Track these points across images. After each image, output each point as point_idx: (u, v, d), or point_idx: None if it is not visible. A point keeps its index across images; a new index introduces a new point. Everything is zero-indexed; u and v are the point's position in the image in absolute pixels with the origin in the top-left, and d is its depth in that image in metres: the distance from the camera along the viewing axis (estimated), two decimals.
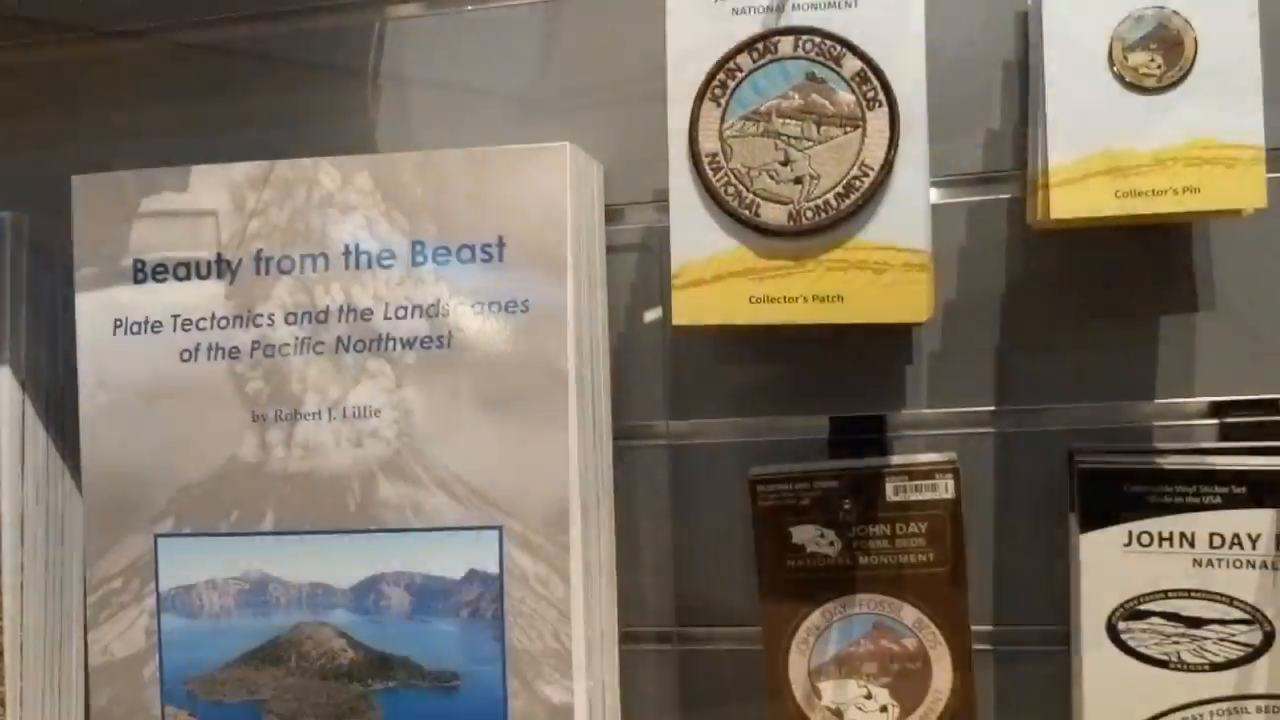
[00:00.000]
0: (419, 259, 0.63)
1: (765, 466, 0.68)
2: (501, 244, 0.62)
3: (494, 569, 0.61)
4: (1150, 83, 0.52)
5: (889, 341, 0.68)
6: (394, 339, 0.62)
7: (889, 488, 0.65)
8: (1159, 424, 0.67)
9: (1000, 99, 0.66)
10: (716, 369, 0.72)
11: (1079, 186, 0.53)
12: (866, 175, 0.55)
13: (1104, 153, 0.53)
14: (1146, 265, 0.66)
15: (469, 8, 0.74)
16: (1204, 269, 0.65)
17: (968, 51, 0.66)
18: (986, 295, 0.68)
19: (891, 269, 0.55)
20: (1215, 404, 0.66)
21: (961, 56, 0.66)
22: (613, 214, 0.72)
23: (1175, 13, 0.52)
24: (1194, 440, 0.66)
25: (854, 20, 0.56)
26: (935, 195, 0.66)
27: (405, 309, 0.62)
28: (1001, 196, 0.66)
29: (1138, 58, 0.52)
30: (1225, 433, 0.66)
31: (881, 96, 0.55)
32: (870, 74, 0.55)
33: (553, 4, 0.73)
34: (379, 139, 0.74)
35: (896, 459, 0.67)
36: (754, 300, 0.57)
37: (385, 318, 0.62)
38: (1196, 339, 0.66)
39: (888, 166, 0.55)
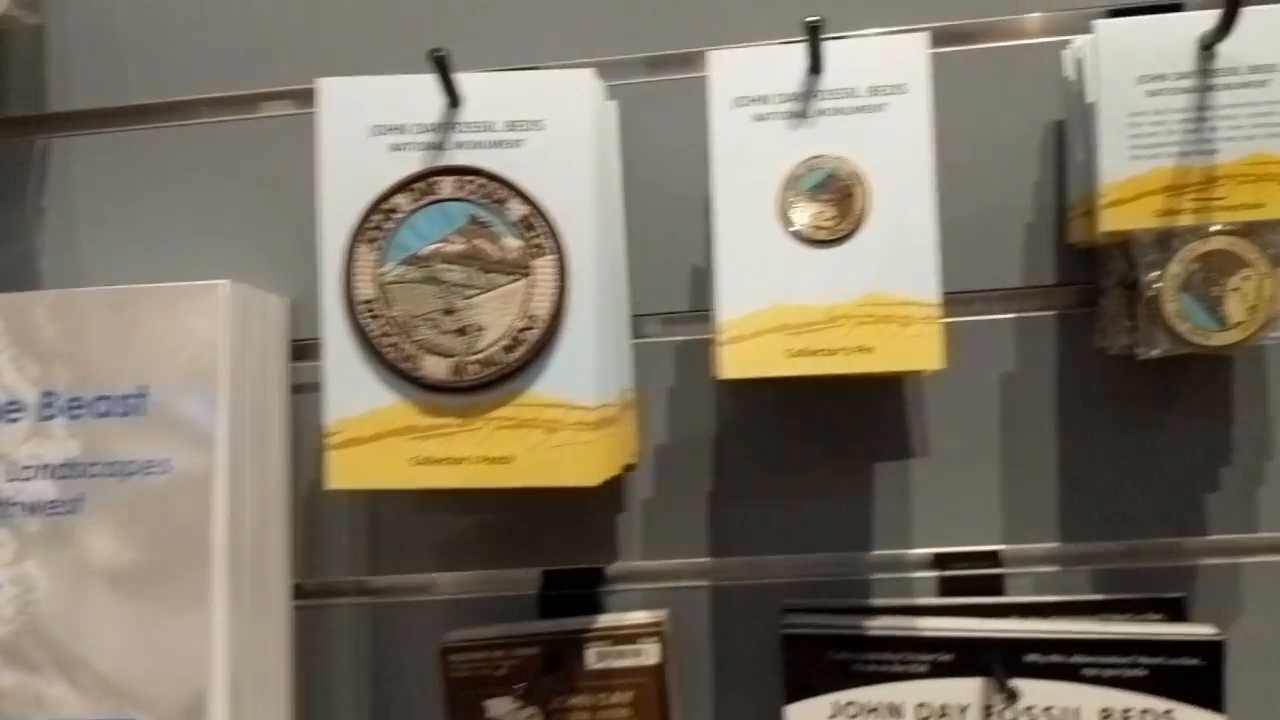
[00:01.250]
0: (49, 411, 0.54)
1: (461, 631, 0.61)
2: (144, 395, 0.54)
3: None
4: (822, 235, 0.48)
5: (598, 487, 0.62)
6: (16, 503, 0.54)
7: (591, 654, 0.59)
8: (878, 576, 0.62)
9: (705, 234, 0.61)
10: (419, 519, 0.65)
11: (750, 344, 0.48)
12: (534, 326, 0.50)
13: (775, 308, 0.48)
14: (862, 410, 0.64)
15: (151, 126, 0.66)
16: (916, 414, 0.61)
17: (674, 186, 0.62)
18: (700, 439, 0.64)
19: (563, 427, 0.50)
20: (936, 556, 0.62)
21: (667, 191, 0.62)
22: (304, 350, 0.65)
23: (846, 161, 0.48)
24: (914, 593, 0.62)
25: (520, 159, 0.50)
26: (658, 330, 0.63)
27: (31, 469, 0.54)
28: (709, 336, 0.62)
29: (809, 209, 0.48)
30: (945, 586, 0.62)
31: (549, 242, 0.50)
32: (537, 218, 0.50)
33: (242, 125, 0.66)
34: (43, 271, 0.66)
35: (603, 619, 0.61)
36: (417, 462, 0.51)
37: (8, 479, 0.54)
38: (912, 487, 0.62)
39: (557, 317, 0.50)
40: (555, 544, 0.65)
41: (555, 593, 0.65)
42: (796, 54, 0.50)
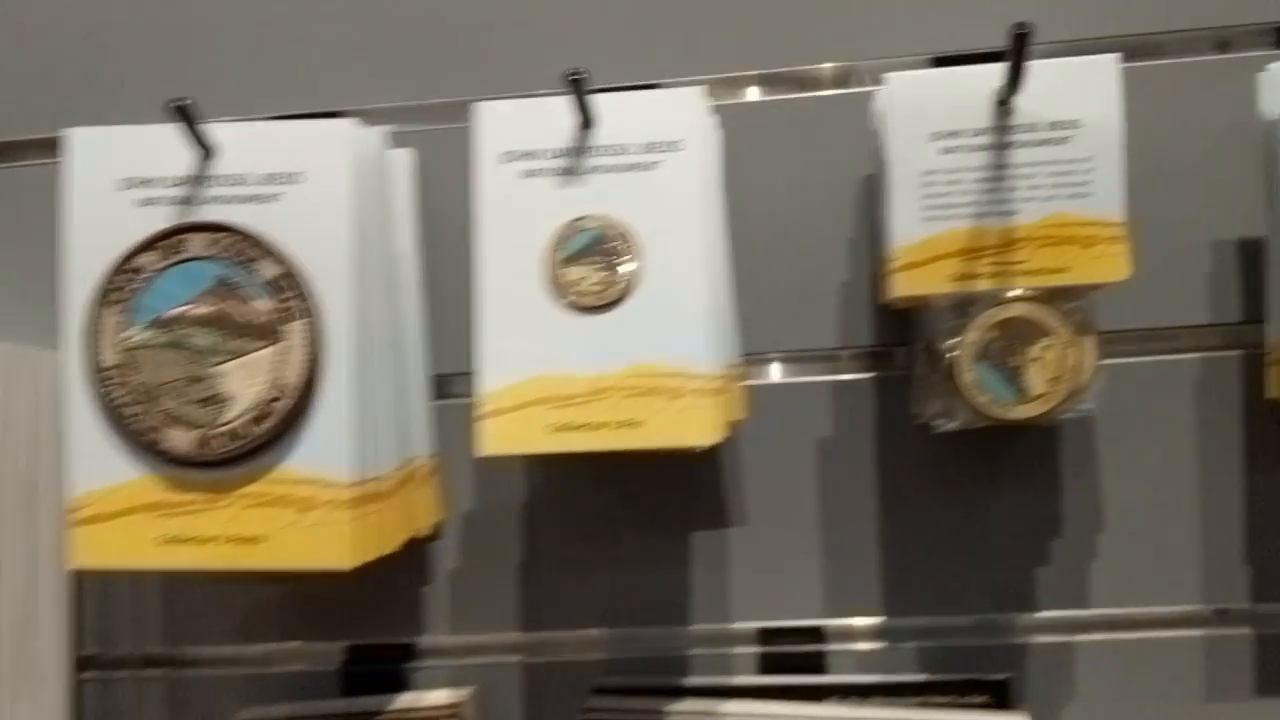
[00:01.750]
0: None
1: (254, 710, 0.57)
2: None
3: None
4: (589, 301, 0.44)
5: (403, 557, 0.58)
6: None
7: None
8: (699, 652, 0.58)
9: None
10: (217, 588, 0.61)
11: (511, 418, 0.45)
12: (284, 397, 0.46)
13: (538, 379, 0.44)
14: (678, 477, 0.60)
15: None
16: (733, 481, 0.58)
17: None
18: (509, 506, 0.61)
19: (317, 505, 0.46)
20: (760, 630, 0.58)
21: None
22: None
23: (616, 222, 0.44)
24: (735, 669, 0.58)
25: (275, 215, 0.47)
26: (466, 388, 0.58)
27: None
28: None
29: (575, 272, 0.44)
30: (767, 663, 0.58)
31: (302, 305, 0.46)
32: (290, 279, 0.46)
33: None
34: None
35: (401, 699, 0.57)
36: (163, 541, 0.47)
37: None
38: (731, 558, 0.58)
39: (309, 386, 0.46)
40: (360, 616, 0.61)
41: (359, 668, 0.61)
42: (568, 107, 0.46)
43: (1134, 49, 0.55)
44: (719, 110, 0.55)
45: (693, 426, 0.45)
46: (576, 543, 0.60)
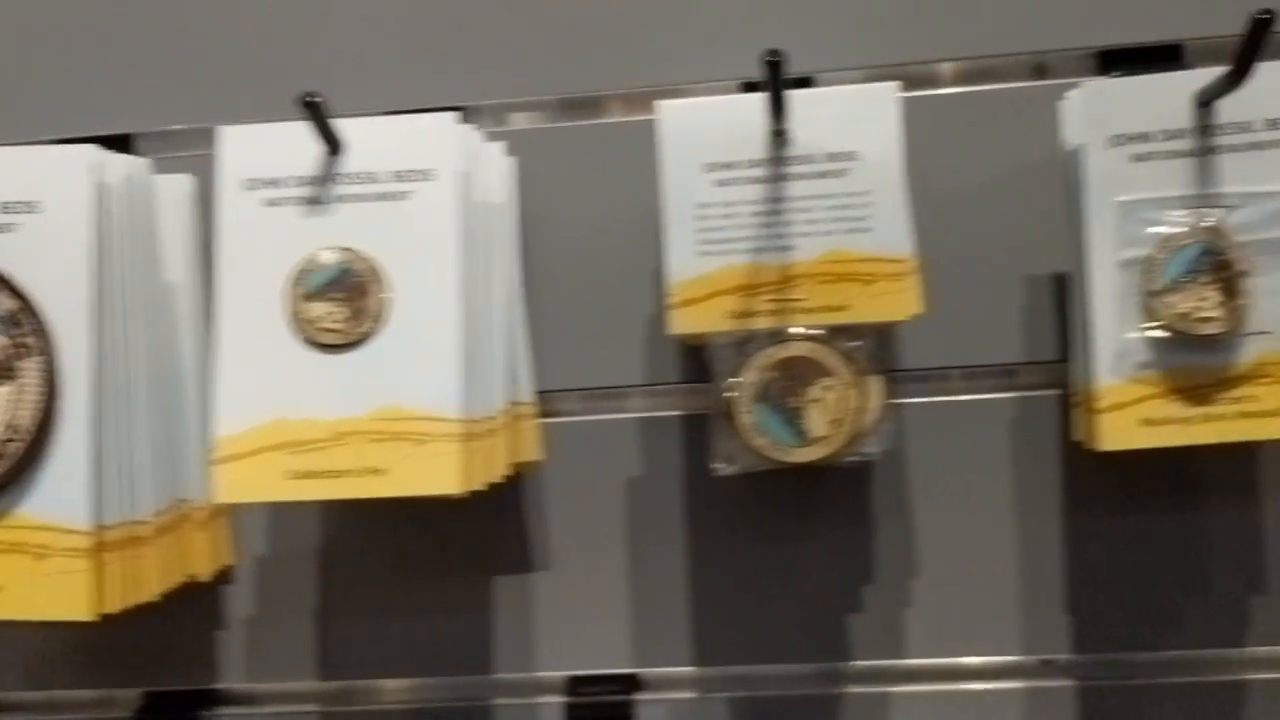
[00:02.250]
0: None
1: None
2: None
3: None
4: (332, 339, 0.41)
5: (198, 601, 0.55)
6: None
7: None
8: (503, 701, 0.55)
9: None
10: (4, 630, 0.58)
11: (248, 465, 0.42)
12: (17, 439, 0.42)
13: (278, 423, 0.41)
14: (480, 517, 0.57)
15: None
16: (537, 523, 0.55)
17: None
18: (304, 549, 0.58)
19: (54, 554, 0.44)
20: (568, 679, 0.55)
21: None
22: None
23: (363, 255, 0.41)
24: None
25: (12, 246, 0.44)
26: None
27: None
28: None
29: (318, 308, 0.41)
30: (573, 713, 0.55)
31: (38, 342, 0.43)
32: (26, 313, 0.43)
33: None
34: None
35: None
36: None
37: None
38: (536, 603, 0.55)
39: (44, 428, 0.43)
40: (157, 662, 0.58)
41: (154, 716, 0.57)
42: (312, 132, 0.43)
43: (959, 75, 0.53)
44: (514, 137, 0.52)
45: (440, 475, 0.42)
46: (376, 587, 0.57)
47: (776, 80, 0.41)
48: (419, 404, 0.43)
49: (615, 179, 0.54)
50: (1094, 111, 0.44)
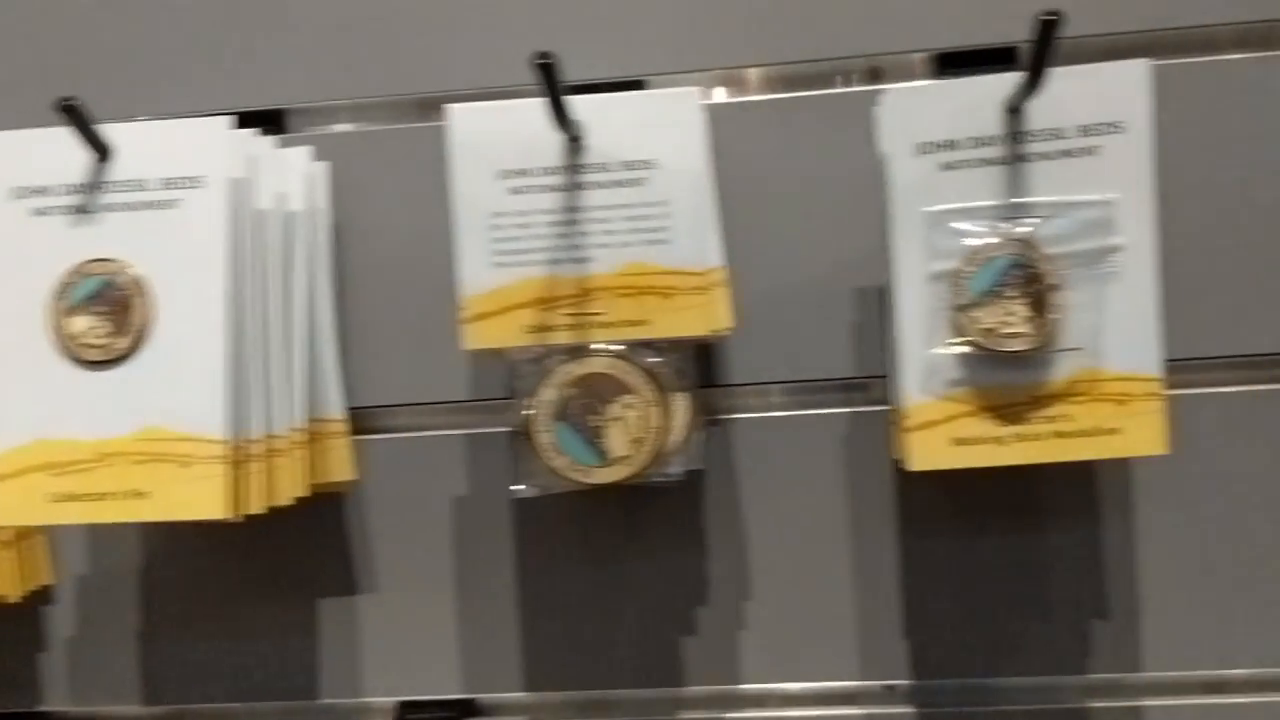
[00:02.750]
0: None
1: None
2: None
3: None
4: (94, 355, 0.39)
5: (18, 622, 0.53)
6: None
7: None
8: None
9: None
10: None
11: (11, 486, 0.40)
12: None
13: (40, 443, 0.39)
14: (303, 537, 0.55)
15: None
16: (361, 543, 0.52)
17: None
18: (124, 568, 0.56)
19: None
20: (397, 704, 0.53)
21: None
22: None
23: (127, 266, 0.39)
24: None
25: None
26: None
27: None
28: None
29: (80, 323, 0.39)
30: None
31: None
32: None
33: None
34: None
35: None
36: None
37: None
38: (363, 626, 0.53)
39: None
40: None
41: None
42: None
43: (792, 80, 0.51)
44: (330, 141, 0.51)
45: (204, 499, 0.40)
46: (201, 608, 0.55)
47: (552, 83, 0.38)
48: (182, 424, 0.40)
49: (440, 185, 0.52)
50: (900, 118, 0.42)
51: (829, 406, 0.51)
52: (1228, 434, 0.49)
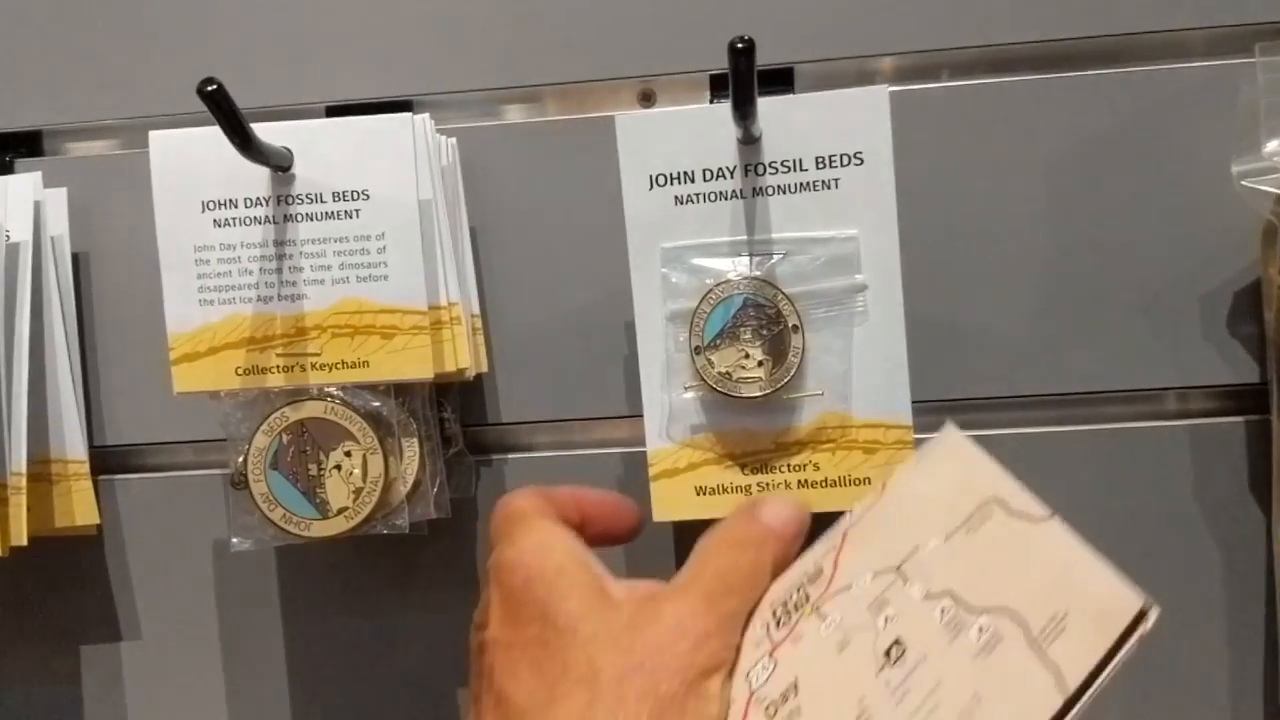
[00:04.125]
0: None
1: None
2: None
3: None
4: None
5: None
6: None
7: None
8: None
9: None
10: None
11: None
12: None
13: None
14: (61, 581, 0.53)
15: None
16: (123, 588, 0.49)
17: None
18: None
19: None
20: None
21: None
22: None
23: None
24: None
25: None
26: None
27: None
28: None
29: None
30: None
31: None
32: None
33: None
34: None
35: None
36: None
37: None
38: (126, 675, 0.50)
39: None
40: None
41: None
42: None
43: (570, 101, 0.47)
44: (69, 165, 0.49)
45: None
46: None
47: (222, 113, 0.35)
48: None
49: None
50: (633, 148, 0.39)
51: (604, 446, 0.48)
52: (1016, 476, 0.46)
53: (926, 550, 0.29)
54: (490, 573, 0.31)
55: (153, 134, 0.40)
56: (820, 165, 0.39)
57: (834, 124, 0.38)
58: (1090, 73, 0.45)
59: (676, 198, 0.39)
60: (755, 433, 0.40)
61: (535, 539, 0.31)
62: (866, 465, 0.39)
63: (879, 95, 0.37)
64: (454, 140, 0.45)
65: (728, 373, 0.39)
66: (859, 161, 0.38)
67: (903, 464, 0.31)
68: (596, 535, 0.32)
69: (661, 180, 0.39)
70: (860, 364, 0.39)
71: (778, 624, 0.29)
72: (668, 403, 0.40)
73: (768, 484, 0.40)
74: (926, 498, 0.30)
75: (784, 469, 0.40)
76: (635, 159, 0.39)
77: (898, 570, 0.29)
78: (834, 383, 0.39)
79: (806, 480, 0.40)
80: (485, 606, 0.31)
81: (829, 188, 0.39)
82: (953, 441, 0.30)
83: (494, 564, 0.31)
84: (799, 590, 0.30)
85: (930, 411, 0.44)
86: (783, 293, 0.39)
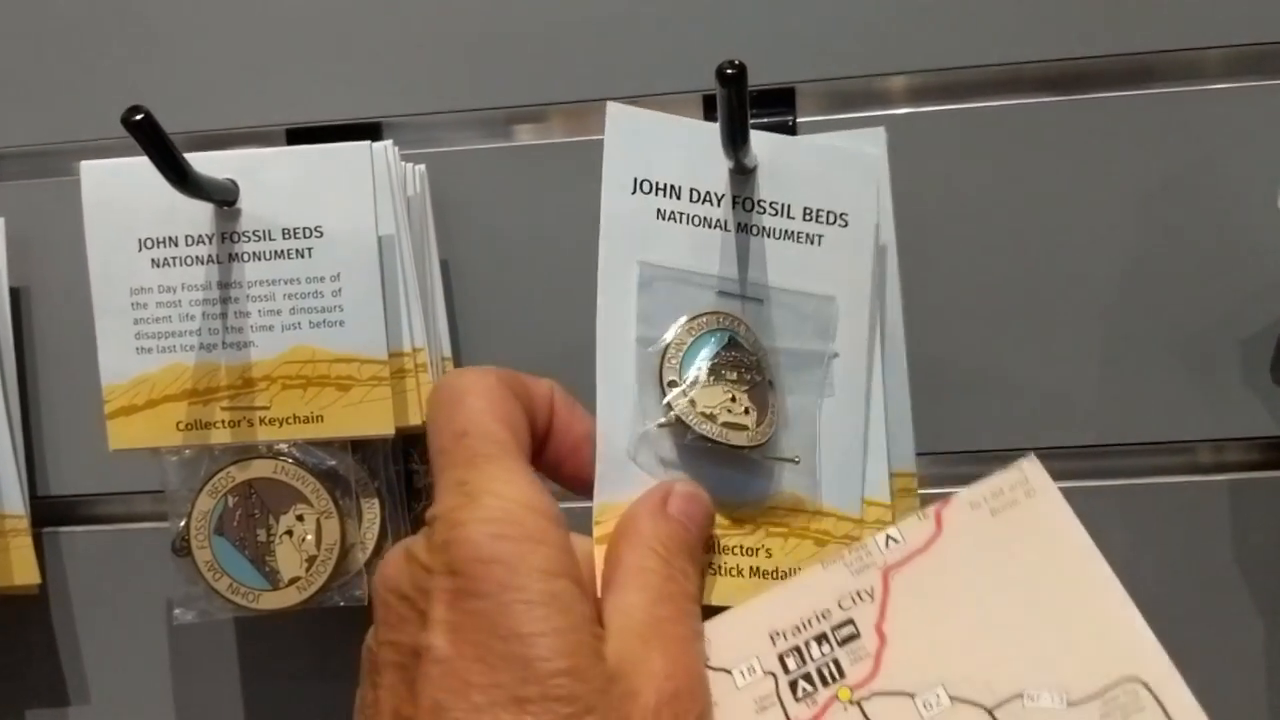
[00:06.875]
0: None
1: None
2: None
3: None
4: None
5: None
6: None
7: None
8: None
9: None
10: None
11: None
12: None
13: None
14: (5, 640, 0.49)
15: None
16: (70, 651, 0.46)
17: None
18: None
19: None
20: None
21: None
22: None
23: None
24: None
25: None
26: None
27: None
28: None
29: None
30: None
31: None
32: None
33: None
34: None
35: None
36: None
37: None
38: None
39: None
40: None
41: None
42: None
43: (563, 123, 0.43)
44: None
45: None
46: None
47: (152, 141, 0.31)
48: None
49: None
50: (621, 140, 0.34)
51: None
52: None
53: (1037, 707, 0.23)
54: (437, 546, 0.22)
55: (84, 164, 0.36)
56: (807, 217, 0.34)
57: (825, 176, 0.34)
58: (1119, 94, 0.40)
59: (659, 211, 0.35)
60: (715, 499, 0.35)
61: (503, 506, 0.22)
62: (810, 560, 0.35)
63: (871, 158, 0.33)
64: (423, 167, 0.40)
65: (712, 414, 0.34)
66: (844, 223, 0.34)
67: (967, 494, 0.26)
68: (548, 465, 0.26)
69: (646, 186, 0.35)
70: (827, 440, 0.34)
71: (793, 691, 0.24)
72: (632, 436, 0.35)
73: (719, 566, 0.35)
74: (1016, 583, 0.24)
75: (736, 551, 0.35)
76: (622, 153, 0.34)
77: (991, 715, 0.23)
78: (806, 454, 0.35)
79: (757, 568, 0.35)
80: (419, 591, 0.22)
81: (813, 243, 0.34)
82: (1047, 503, 0.25)
83: (446, 538, 0.22)
84: (822, 645, 0.24)
85: (949, 463, 0.40)
86: (761, 344, 0.34)
